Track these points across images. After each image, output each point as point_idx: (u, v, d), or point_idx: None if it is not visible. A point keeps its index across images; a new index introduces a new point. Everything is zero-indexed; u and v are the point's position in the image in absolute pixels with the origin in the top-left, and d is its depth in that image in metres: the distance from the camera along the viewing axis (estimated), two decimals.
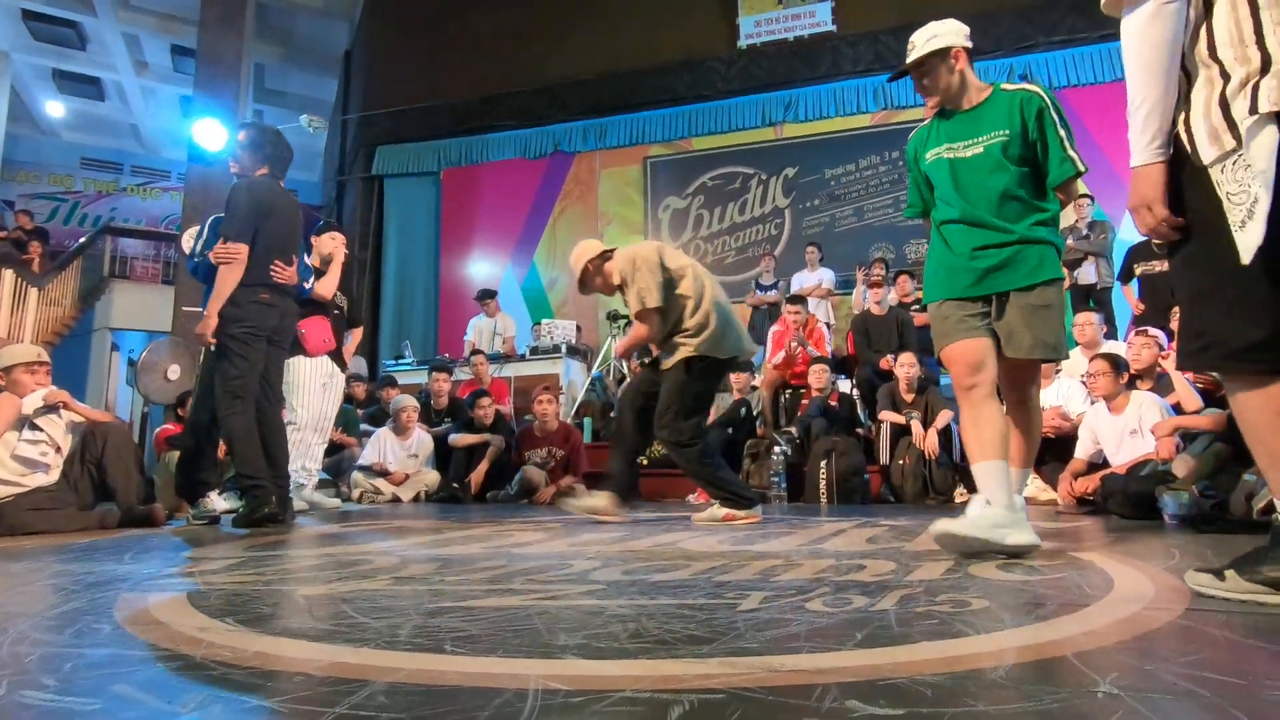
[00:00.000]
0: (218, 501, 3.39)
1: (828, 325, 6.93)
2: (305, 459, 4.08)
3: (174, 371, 6.21)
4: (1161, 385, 3.87)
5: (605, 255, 3.21)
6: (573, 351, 6.63)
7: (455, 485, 4.79)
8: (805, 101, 8.32)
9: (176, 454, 4.17)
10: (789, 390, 5.35)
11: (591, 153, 8.97)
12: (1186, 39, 1.27)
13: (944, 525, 1.89)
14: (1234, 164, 1.19)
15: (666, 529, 2.76)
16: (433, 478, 4.81)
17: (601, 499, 3.09)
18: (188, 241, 6.80)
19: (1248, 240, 1.16)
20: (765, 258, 7.59)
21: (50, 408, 3.22)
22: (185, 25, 11.09)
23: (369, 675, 0.90)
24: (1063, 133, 1.99)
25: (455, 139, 9.46)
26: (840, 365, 6.17)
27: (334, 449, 4.97)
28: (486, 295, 7.44)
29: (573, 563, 1.86)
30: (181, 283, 8.15)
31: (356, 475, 4.78)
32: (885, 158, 8.06)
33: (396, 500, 4.66)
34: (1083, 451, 3.70)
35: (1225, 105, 1.20)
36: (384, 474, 4.75)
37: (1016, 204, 2.03)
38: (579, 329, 7.36)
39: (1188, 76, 1.28)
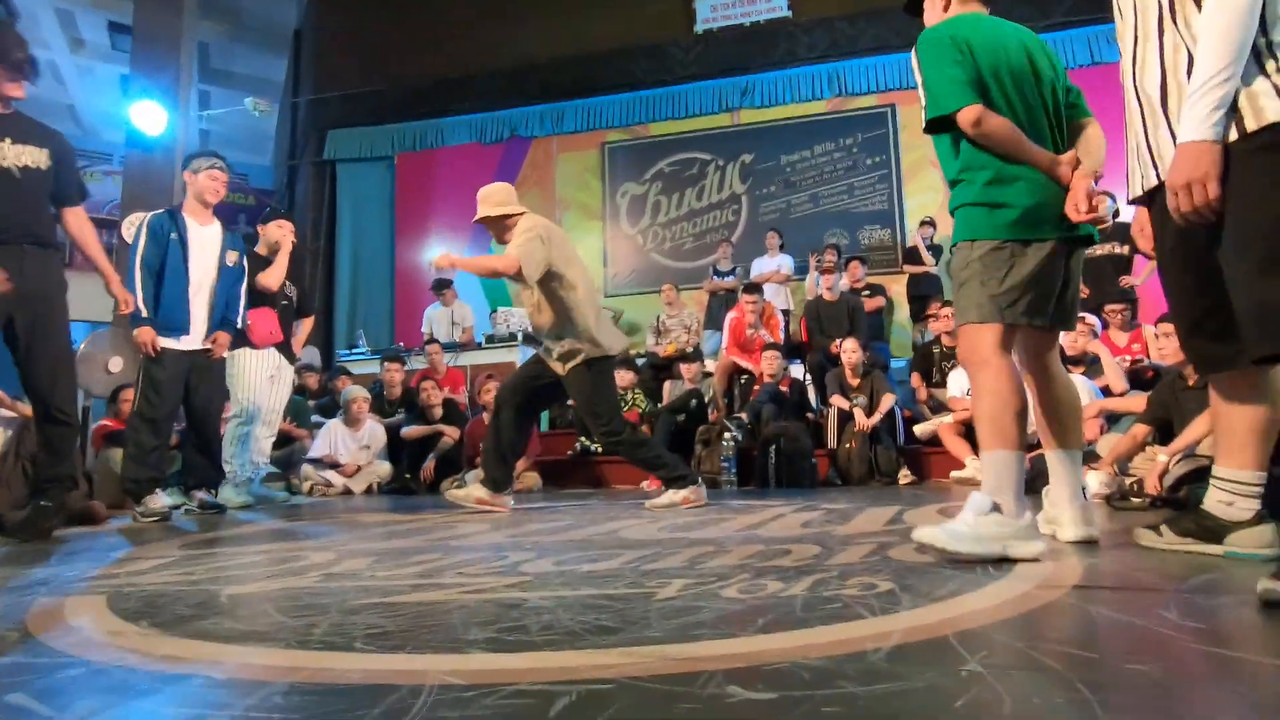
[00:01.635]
0: (163, 498, 3.34)
1: (785, 311, 7.03)
2: (253, 452, 4.03)
3: (115, 364, 6.02)
4: (1092, 369, 4.03)
5: (510, 217, 3.21)
6: (529, 339, 6.61)
7: (408, 476, 4.77)
8: (761, 88, 8.35)
9: (117, 450, 4.09)
10: (742, 376, 5.43)
11: (549, 138, 8.89)
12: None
13: (928, 535, 1.61)
14: None
15: (611, 517, 2.80)
16: (385, 469, 4.78)
17: (478, 490, 3.17)
18: (128, 229, 6.60)
19: None
20: (723, 244, 7.64)
21: None
22: (123, 0, 10.63)
23: (271, 676, 0.91)
24: (919, 78, 1.79)
25: (409, 123, 9.28)
26: (794, 351, 6.28)
27: (284, 441, 4.90)
28: (443, 285, 7.36)
29: (508, 554, 1.89)
30: (122, 269, 7.90)
31: (306, 468, 4.72)
32: (839, 144, 8.15)
33: (348, 493, 4.63)
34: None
35: None
36: (334, 466, 4.70)
37: (946, 165, 1.87)
38: None
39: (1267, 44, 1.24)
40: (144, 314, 3.30)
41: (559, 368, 3.13)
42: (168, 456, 3.58)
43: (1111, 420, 3.15)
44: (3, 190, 2.48)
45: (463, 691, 0.82)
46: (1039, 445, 2.25)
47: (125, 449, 3.31)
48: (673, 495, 3.09)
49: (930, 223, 7.02)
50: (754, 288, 5.82)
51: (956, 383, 4.47)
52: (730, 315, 5.78)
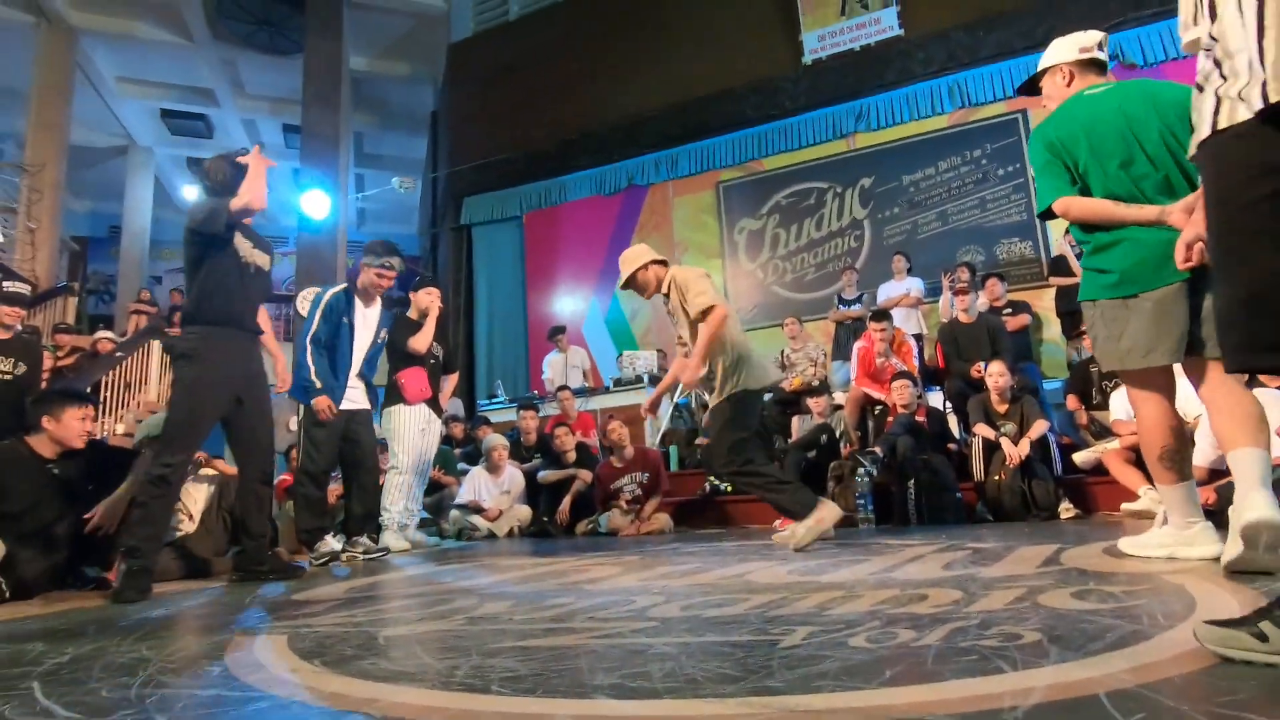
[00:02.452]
0: (332, 543, 3.72)
1: (918, 336, 6.70)
2: (407, 499, 4.38)
3: (294, 423, 6.80)
4: None
5: (657, 262, 3.38)
6: (655, 381, 6.73)
7: (545, 519, 4.97)
8: (876, 110, 8.15)
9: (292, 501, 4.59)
10: (875, 408, 5.20)
11: (664, 183, 9.15)
12: None
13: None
14: None
15: (740, 559, 2.77)
16: (525, 513, 5.01)
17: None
18: (302, 302, 7.47)
19: None
20: (846, 271, 7.44)
21: (193, 464, 3.63)
22: (293, 106, 12.28)
23: (419, 715, 1.00)
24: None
25: (534, 183, 9.90)
26: (931, 377, 5.95)
27: (434, 488, 5.29)
28: (557, 332, 7.77)
29: (636, 599, 1.93)
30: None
31: (454, 513, 5.05)
32: (966, 158, 7.76)
33: (492, 536, 4.89)
34: (1201, 458, 3.39)
35: None
36: (479, 511, 4.99)
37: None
38: (661, 354, 7.47)
39: None
40: (317, 385, 3.73)
41: (712, 402, 3.23)
42: (326, 506, 3.99)
43: None
44: (246, 283, 2.97)
45: None
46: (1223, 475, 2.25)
47: (296, 501, 3.72)
48: (795, 528, 2.99)
49: None
50: (882, 314, 5.60)
51: (1120, 404, 4.03)
52: (859, 345, 5.59)
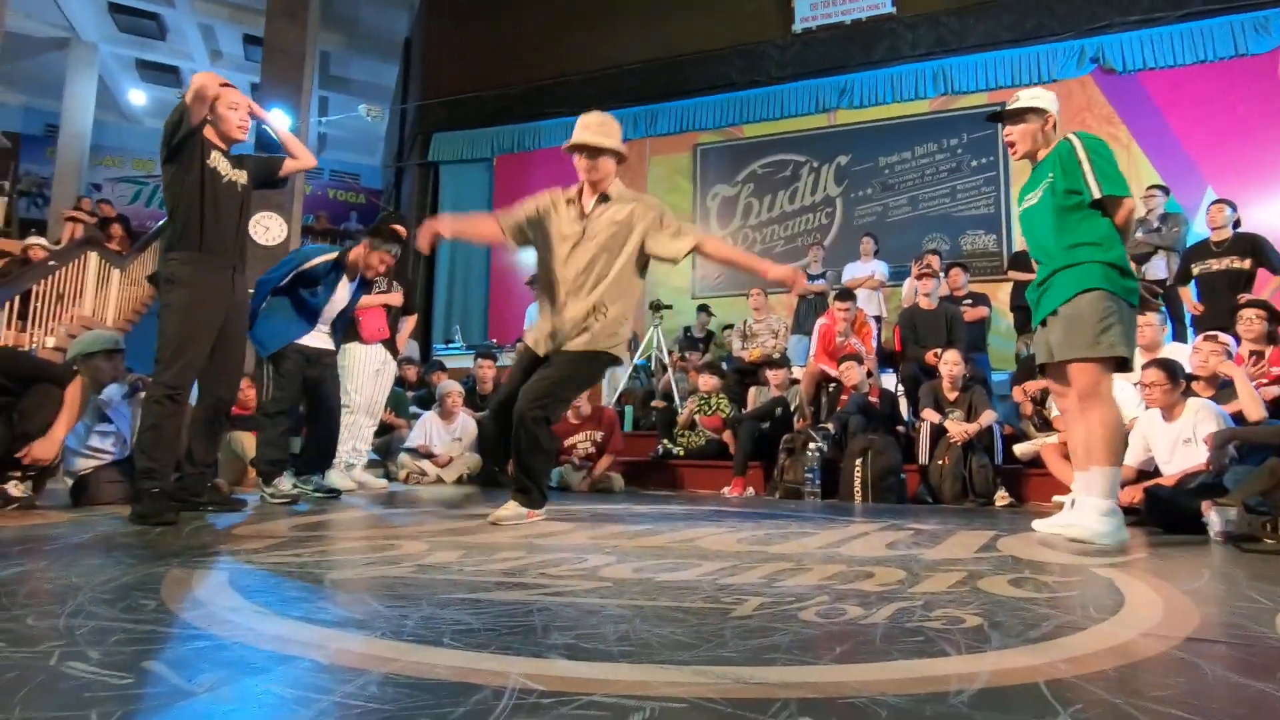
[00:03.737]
0: (288, 484, 3.63)
1: (877, 318, 6.81)
2: (356, 440, 4.30)
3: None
4: (1223, 393, 3.69)
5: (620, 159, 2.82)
6: None
7: (496, 469, 4.94)
8: (861, 87, 8.11)
9: (237, 433, 4.45)
10: (831, 385, 5.29)
11: (641, 140, 8.96)
12: None
13: (1054, 527, 2.55)
14: None
15: (690, 523, 2.81)
16: (475, 461, 4.97)
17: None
18: (254, 229, 7.14)
19: None
20: (814, 247, 7.47)
21: (133, 389, 3.46)
22: (256, 15, 11.53)
23: (368, 665, 0.98)
24: (1087, 164, 2.44)
25: (508, 126, 9.59)
26: (887, 359, 6.07)
27: (384, 430, 5.19)
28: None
29: (588, 557, 1.93)
30: (247, 263, 8.59)
31: (403, 456, 4.99)
32: (943, 145, 7.81)
33: (440, 481, 4.85)
34: (1132, 459, 3.57)
35: None
36: (429, 456, 4.94)
37: (1061, 235, 2.50)
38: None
39: None
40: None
41: (576, 342, 2.73)
42: (289, 442, 3.89)
43: (1248, 452, 2.87)
44: (227, 204, 2.83)
45: (540, 698, 0.86)
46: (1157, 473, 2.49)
47: (259, 435, 3.61)
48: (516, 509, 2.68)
49: None
50: (847, 294, 5.66)
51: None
52: (820, 322, 5.65)
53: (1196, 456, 3.22)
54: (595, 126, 2.78)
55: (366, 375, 4.25)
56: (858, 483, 4.12)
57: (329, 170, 15.91)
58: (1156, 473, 3.46)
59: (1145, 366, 3.47)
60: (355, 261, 3.79)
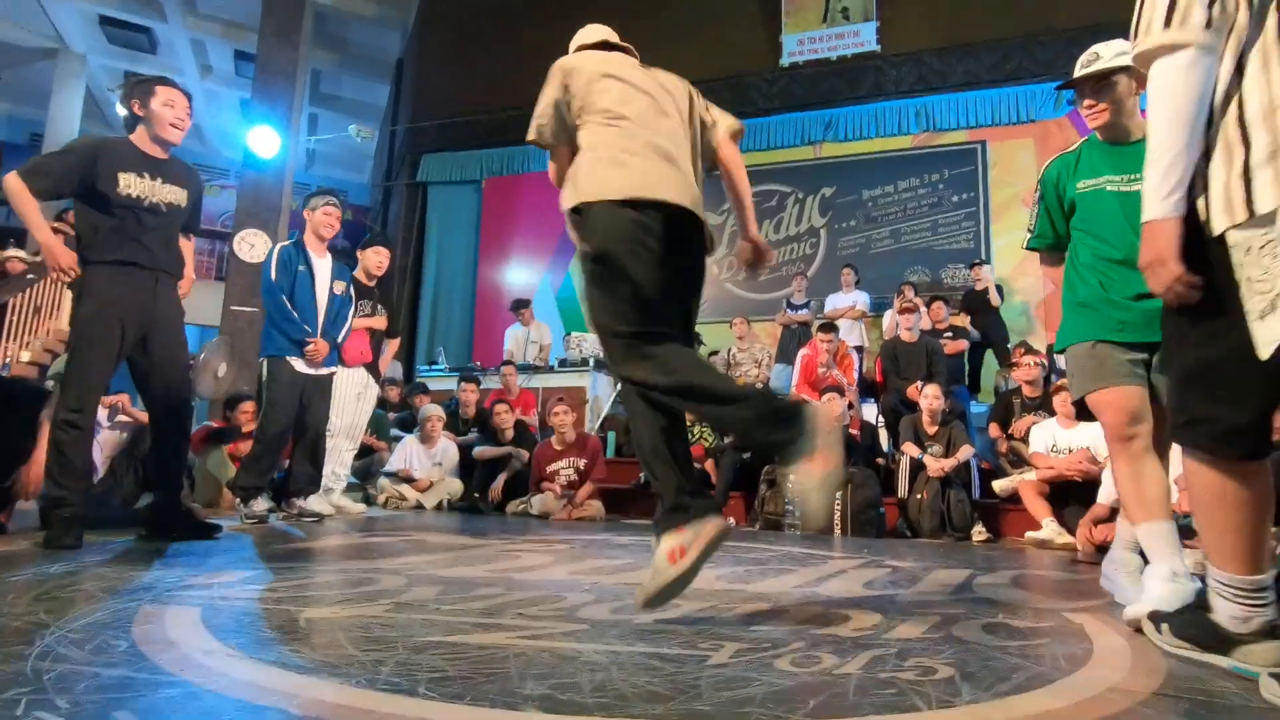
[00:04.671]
0: (265, 504, 3.60)
1: (859, 349, 6.90)
2: (336, 464, 4.27)
3: (222, 370, 6.49)
4: None
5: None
6: (600, 365, 6.72)
7: (477, 495, 4.92)
8: (846, 121, 8.29)
9: (216, 451, 4.41)
10: None
11: None
12: (1215, 100, 1.20)
13: (1135, 613, 1.70)
14: (1263, 248, 1.12)
15: None
16: (456, 486, 4.95)
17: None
18: (239, 243, 7.13)
19: (1268, 333, 1.11)
20: (798, 277, 7.58)
21: (110, 410, 3.42)
22: (248, 32, 11.57)
23: (342, 715, 0.98)
24: None
25: (498, 149, 9.67)
26: (868, 390, 6.13)
27: (364, 452, 5.16)
28: (521, 305, 7.60)
29: (567, 594, 1.93)
30: (232, 280, 8.52)
31: (383, 481, 4.95)
32: (924, 180, 7.98)
33: (420, 507, 4.81)
34: (1105, 497, 3.63)
35: (1248, 177, 1.13)
36: (409, 481, 4.90)
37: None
38: None
39: (1205, 139, 1.22)
40: (308, 330, 3.70)
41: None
42: (277, 466, 3.86)
43: None
44: (153, 224, 2.77)
45: None
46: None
47: (245, 456, 3.59)
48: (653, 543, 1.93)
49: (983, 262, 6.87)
50: (830, 326, 5.74)
51: (1041, 438, 4.26)
52: (803, 352, 5.71)
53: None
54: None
55: (348, 399, 4.23)
56: (837, 516, 4.15)
57: (316, 186, 15.90)
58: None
59: None
60: (312, 231, 3.82)
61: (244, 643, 1.34)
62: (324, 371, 3.79)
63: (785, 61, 8.53)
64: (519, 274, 9.47)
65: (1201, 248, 1.22)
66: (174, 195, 2.84)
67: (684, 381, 1.66)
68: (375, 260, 4.37)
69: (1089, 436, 4.11)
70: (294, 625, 1.52)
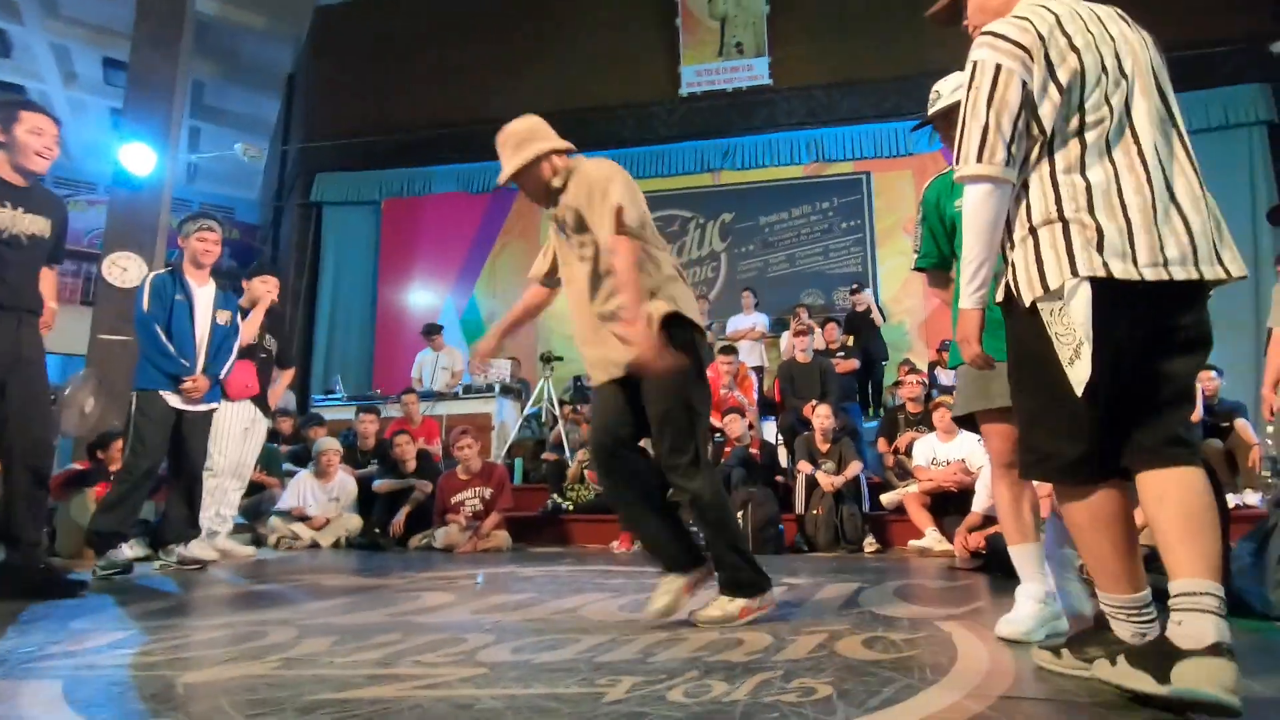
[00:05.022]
0: (125, 552, 3.33)
1: (759, 369, 7.17)
2: (220, 505, 4.02)
3: (89, 405, 5.96)
4: None
5: (560, 152, 2.21)
6: (506, 391, 6.66)
7: (377, 531, 4.75)
8: (742, 150, 8.66)
9: (79, 497, 4.05)
10: (716, 435, 5.50)
11: None
12: (1011, 208, 1.47)
13: (1006, 630, 1.86)
14: (1058, 311, 1.38)
15: (575, 588, 2.83)
16: (354, 523, 4.76)
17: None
18: (109, 268, 6.61)
19: (1078, 375, 1.34)
20: (700, 300, 7.80)
21: None
22: (119, 38, 10.79)
23: None
24: None
25: (397, 170, 9.46)
26: (768, 409, 6.38)
27: (254, 489, 4.87)
28: (433, 330, 7.44)
29: (467, 637, 1.92)
30: (100, 306, 7.85)
31: (275, 520, 4.70)
32: (816, 207, 8.44)
33: (315, 546, 4.59)
34: (979, 505, 3.94)
35: (1040, 262, 1.40)
36: (303, 519, 4.68)
37: None
38: (516, 363, 7.40)
39: (1010, 236, 1.48)
40: (185, 365, 3.46)
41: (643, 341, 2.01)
42: (139, 510, 3.57)
43: None
44: (14, 258, 2.57)
45: None
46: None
47: (103, 499, 3.31)
48: (725, 603, 2.10)
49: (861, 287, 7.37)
50: (730, 349, 5.95)
51: (923, 451, 4.58)
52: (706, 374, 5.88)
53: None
54: (504, 150, 2.20)
55: (233, 435, 4.00)
56: None
57: (198, 203, 14.93)
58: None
59: None
60: (190, 259, 3.58)
61: (113, 717, 1.27)
62: (201, 408, 3.56)
63: (684, 91, 8.83)
64: (421, 297, 9.25)
65: (1023, 314, 1.45)
66: (36, 226, 2.64)
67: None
68: (261, 289, 4.16)
69: (964, 449, 4.45)
70: (170, 693, 1.44)
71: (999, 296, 1.51)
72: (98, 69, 12.26)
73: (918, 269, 2.29)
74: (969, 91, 1.45)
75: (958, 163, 1.46)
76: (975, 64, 1.45)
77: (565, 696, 1.38)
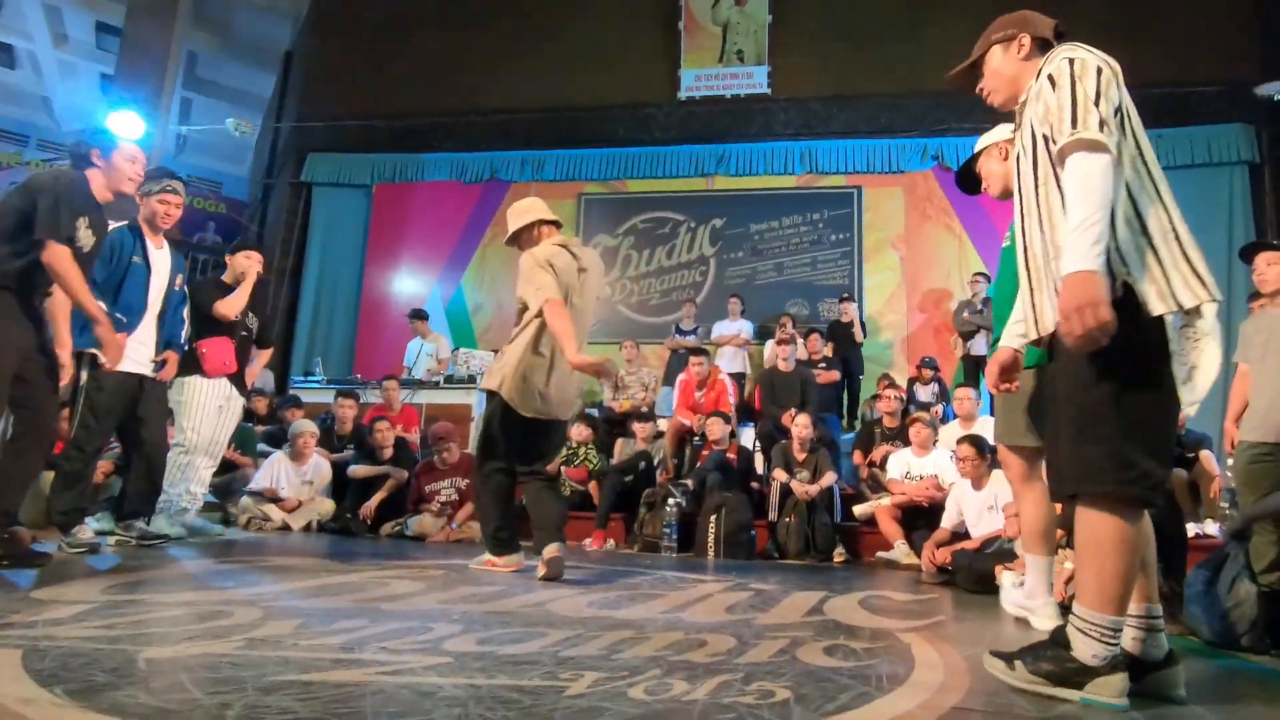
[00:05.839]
0: (90, 528, 3.28)
1: (743, 375, 7.22)
2: (191, 483, 3.97)
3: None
4: None
5: (549, 223, 3.24)
6: None
7: (349, 516, 4.73)
8: (737, 157, 8.70)
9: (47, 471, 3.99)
10: (695, 437, 5.53)
11: (528, 183, 9.07)
12: (1142, 204, 1.44)
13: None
14: (1188, 329, 1.40)
15: (545, 583, 2.84)
16: (327, 506, 4.73)
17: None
18: (87, 236, 6.51)
19: (1191, 395, 1.39)
20: (688, 303, 7.84)
21: None
22: (114, 3, 10.62)
23: None
24: None
25: (391, 155, 9.39)
26: (749, 415, 6.43)
27: (226, 467, 4.82)
28: (419, 315, 7.41)
29: (434, 626, 1.93)
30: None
31: (246, 500, 4.65)
32: (806, 218, 8.50)
33: (286, 529, 4.56)
34: (948, 521, 4.00)
35: (1166, 275, 1.40)
36: (275, 500, 4.64)
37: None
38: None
39: (1146, 235, 1.43)
40: (122, 320, 3.25)
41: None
42: (91, 481, 3.48)
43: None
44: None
45: None
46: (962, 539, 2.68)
47: (55, 474, 3.23)
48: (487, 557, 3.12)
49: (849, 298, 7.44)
50: (700, 351, 6.01)
51: (897, 465, 4.64)
52: (681, 377, 5.93)
53: (999, 522, 3.67)
54: (513, 216, 3.26)
55: (207, 412, 3.94)
56: (711, 538, 4.32)
57: (186, 175, 14.71)
58: (969, 535, 3.91)
59: (959, 441, 3.93)
60: (144, 219, 3.46)
61: (72, 689, 1.26)
62: (156, 373, 3.47)
63: (683, 95, 8.85)
64: (408, 284, 9.20)
65: (1140, 322, 1.41)
66: (92, 239, 2.80)
67: None
68: (245, 263, 4.10)
69: (937, 465, 4.52)
70: (131, 667, 1.44)
71: (1118, 292, 1.40)
72: (90, 32, 12.06)
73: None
74: (1071, 76, 1.45)
75: (1075, 127, 1.40)
76: (1072, 60, 1.47)
77: (527, 688, 1.40)
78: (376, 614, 2.06)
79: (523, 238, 3.19)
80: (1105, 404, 1.40)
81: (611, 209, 8.97)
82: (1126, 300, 1.40)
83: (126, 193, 2.95)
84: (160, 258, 3.54)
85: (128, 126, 7.18)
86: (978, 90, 1.80)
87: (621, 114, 8.96)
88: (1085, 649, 1.46)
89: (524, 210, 3.22)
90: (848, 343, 7.10)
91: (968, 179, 2.55)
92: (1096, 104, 1.41)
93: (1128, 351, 1.39)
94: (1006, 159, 2.41)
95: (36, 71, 13.02)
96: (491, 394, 3.02)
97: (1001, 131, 2.46)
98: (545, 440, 3.13)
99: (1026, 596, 2.50)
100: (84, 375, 3.23)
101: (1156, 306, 1.40)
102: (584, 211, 9.00)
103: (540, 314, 2.93)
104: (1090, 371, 1.41)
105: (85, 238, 2.73)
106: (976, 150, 2.52)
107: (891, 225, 8.31)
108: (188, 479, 3.91)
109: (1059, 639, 1.52)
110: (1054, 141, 1.46)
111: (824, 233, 8.43)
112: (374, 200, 9.43)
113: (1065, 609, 2.70)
